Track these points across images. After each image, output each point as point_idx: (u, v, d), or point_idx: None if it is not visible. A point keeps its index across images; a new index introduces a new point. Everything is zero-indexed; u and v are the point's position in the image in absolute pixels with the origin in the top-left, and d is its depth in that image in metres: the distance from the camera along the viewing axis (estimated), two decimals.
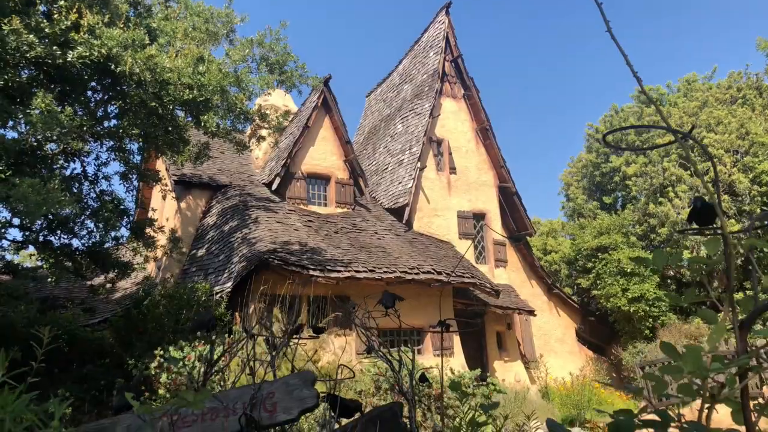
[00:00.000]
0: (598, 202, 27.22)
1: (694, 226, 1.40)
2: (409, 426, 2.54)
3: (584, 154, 28.90)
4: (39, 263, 14.13)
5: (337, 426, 2.62)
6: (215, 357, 8.53)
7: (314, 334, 3.62)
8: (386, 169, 19.96)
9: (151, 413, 2.09)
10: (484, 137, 20.34)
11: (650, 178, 21.70)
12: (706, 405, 1.19)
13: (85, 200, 9.59)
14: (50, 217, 8.90)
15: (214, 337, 2.83)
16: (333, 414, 2.55)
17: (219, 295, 12.84)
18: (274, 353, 3.28)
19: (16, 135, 7.77)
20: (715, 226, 1.35)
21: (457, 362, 15.13)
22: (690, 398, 1.20)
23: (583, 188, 28.38)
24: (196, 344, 9.31)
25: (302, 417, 2.62)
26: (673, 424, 1.17)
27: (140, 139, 9.61)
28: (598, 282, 20.81)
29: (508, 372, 17.86)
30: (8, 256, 11.72)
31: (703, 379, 1.16)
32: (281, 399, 2.48)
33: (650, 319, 19.61)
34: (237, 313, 12.88)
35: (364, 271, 14.22)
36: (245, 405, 2.39)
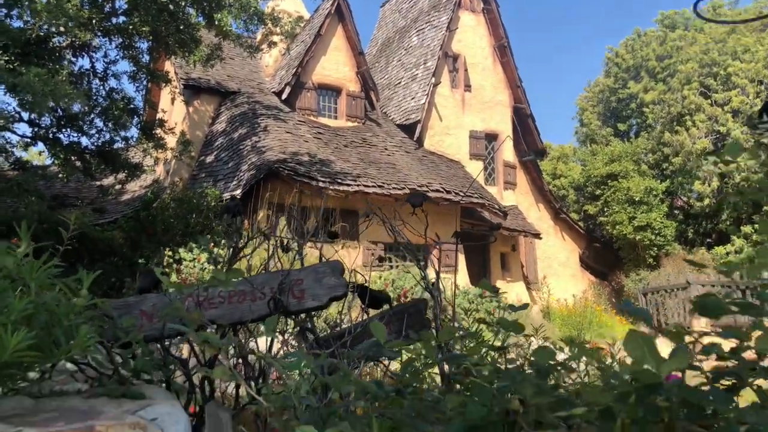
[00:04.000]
0: (612, 128, 26.69)
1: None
2: (433, 320, 2.51)
3: (602, 79, 28.08)
4: (48, 162, 14.06)
5: (366, 316, 2.59)
6: (226, 257, 8.45)
7: (328, 239, 3.57)
8: (399, 83, 19.48)
9: (181, 291, 2.04)
10: (502, 55, 19.72)
11: (668, 106, 21.16)
12: None
13: (95, 98, 9.40)
14: (59, 111, 8.74)
15: (234, 227, 2.76)
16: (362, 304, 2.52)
17: (227, 201, 12.83)
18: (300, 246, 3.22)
19: (21, 24, 7.49)
20: None
21: (462, 279, 15.33)
22: None
23: (598, 114, 27.77)
24: (207, 246, 9.36)
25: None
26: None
27: (150, 37, 9.29)
28: (605, 209, 20.75)
29: (510, 292, 18.11)
30: (17, 153, 11.66)
31: None
32: (310, 286, 2.44)
33: (655, 248, 19.68)
34: (245, 221, 12.92)
35: (373, 186, 14.16)
36: (273, 290, 2.35)
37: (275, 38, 12.51)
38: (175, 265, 9.32)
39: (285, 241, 3.22)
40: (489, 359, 2.01)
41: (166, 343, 2.28)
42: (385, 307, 2.56)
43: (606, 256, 22.23)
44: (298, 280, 2.43)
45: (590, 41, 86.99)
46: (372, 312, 2.60)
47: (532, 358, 1.42)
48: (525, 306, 2.12)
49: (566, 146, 26.75)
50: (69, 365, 2.01)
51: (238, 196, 13.15)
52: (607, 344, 2.77)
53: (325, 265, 2.53)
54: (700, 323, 13.44)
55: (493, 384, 1.22)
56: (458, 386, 2.35)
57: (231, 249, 2.59)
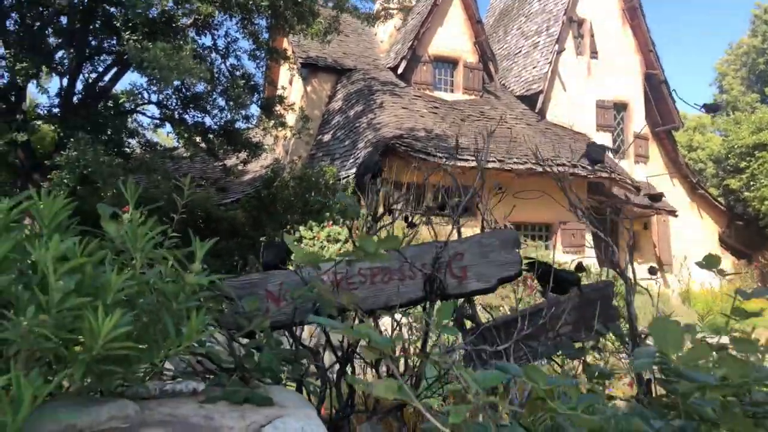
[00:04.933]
0: (759, 94, 23.99)
1: None
2: (627, 310, 1.99)
3: (747, 39, 25.19)
4: (175, 144, 14.60)
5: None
6: (345, 235, 8.21)
7: (438, 211, 3.10)
8: (519, 53, 18.49)
9: (317, 263, 1.65)
10: (632, 17, 18.14)
11: None
12: None
13: (217, 75, 9.44)
14: (183, 91, 8.85)
15: (377, 187, 2.35)
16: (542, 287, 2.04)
17: (345, 180, 12.70)
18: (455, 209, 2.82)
19: None
20: None
21: (589, 260, 14.35)
22: None
23: (742, 78, 25.04)
24: (326, 224, 9.22)
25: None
26: None
27: (269, 12, 9.16)
28: (752, 183, 18.71)
29: (641, 274, 16.81)
30: (148, 135, 12.12)
31: None
32: (473, 262, 1.98)
33: None
34: (362, 199, 12.75)
35: (493, 161, 13.48)
36: (425, 266, 1.92)
37: (392, 5, 12.07)
38: (296, 244, 9.24)
39: (410, 216, 2.79)
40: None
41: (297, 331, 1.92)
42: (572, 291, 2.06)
43: (750, 236, 20.08)
44: (458, 254, 1.98)
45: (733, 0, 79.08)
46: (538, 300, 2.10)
47: None
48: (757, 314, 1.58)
49: (704, 115, 24.43)
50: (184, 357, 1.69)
51: (354, 175, 12.97)
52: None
53: (493, 235, 2.06)
54: None
55: None
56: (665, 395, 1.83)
57: (370, 217, 2.18)
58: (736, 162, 19.50)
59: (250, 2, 8.64)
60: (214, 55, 9.80)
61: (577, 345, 2.00)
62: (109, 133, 9.72)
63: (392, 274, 1.94)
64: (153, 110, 15.81)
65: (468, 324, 2.15)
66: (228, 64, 9.87)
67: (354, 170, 13.20)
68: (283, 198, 11.22)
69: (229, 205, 12.83)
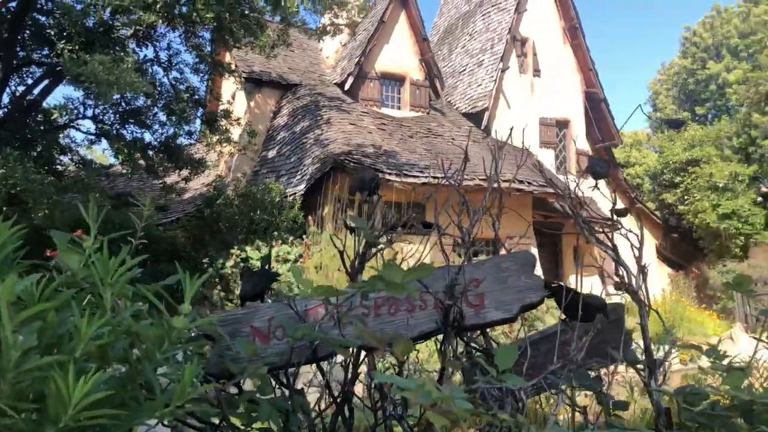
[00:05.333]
0: (690, 112, 25.06)
1: None
2: (642, 335, 1.82)
3: (678, 60, 26.33)
4: (112, 161, 13.91)
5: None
6: (294, 255, 7.87)
7: (424, 229, 2.91)
8: (464, 71, 18.62)
9: (333, 295, 1.40)
10: (572, 36, 18.59)
11: (755, 86, 19.54)
12: None
13: (159, 90, 8.99)
14: (122, 105, 8.37)
15: (372, 204, 2.11)
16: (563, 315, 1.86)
17: (292, 197, 12.37)
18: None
19: (81, 6, 7.11)
20: None
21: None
22: None
23: (674, 97, 26.10)
24: (274, 244, 8.88)
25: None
26: None
27: (214, 24, 8.81)
28: (686, 197, 19.39)
29: (585, 286, 17.08)
30: (82, 152, 11.47)
31: None
32: (491, 289, 1.78)
33: (741, 237, 18.22)
34: (310, 216, 12.43)
35: (443, 178, 13.42)
36: (437, 294, 1.69)
37: (341, 21, 11.90)
38: (242, 264, 8.86)
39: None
40: None
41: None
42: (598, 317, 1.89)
43: (684, 248, 20.81)
44: (474, 281, 1.77)
45: (664, 21, 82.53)
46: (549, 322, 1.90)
47: None
48: None
49: (639, 132, 25.26)
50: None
51: (302, 192, 12.65)
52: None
53: (511, 258, 1.87)
54: None
55: None
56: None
57: (366, 239, 1.92)
58: (671, 177, 20.18)
59: (194, 14, 8.27)
60: (156, 67, 9.35)
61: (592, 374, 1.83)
62: (39, 149, 9.11)
63: (399, 305, 1.71)
64: (88, 125, 15.02)
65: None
66: (171, 77, 9.43)
67: (302, 186, 12.92)
68: (227, 216, 10.80)
69: (169, 225, 12.27)
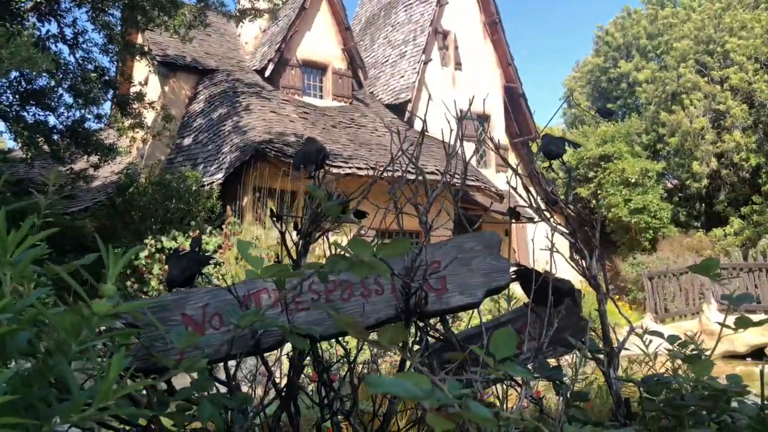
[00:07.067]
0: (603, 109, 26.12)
1: None
2: (601, 321, 1.75)
3: (591, 59, 27.35)
4: (10, 147, 12.91)
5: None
6: (213, 245, 7.49)
7: (356, 218, 2.75)
8: (386, 61, 18.55)
9: (286, 277, 1.21)
10: (492, 31, 18.89)
11: (663, 85, 20.54)
12: None
13: (64, 69, 8.33)
14: (22, 84, 7.70)
15: (318, 182, 1.92)
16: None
17: (209, 186, 11.88)
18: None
19: None
20: None
21: None
22: None
23: (587, 95, 27.11)
24: (191, 233, 8.47)
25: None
26: None
27: (124, 1, 8.26)
28: (599, 191, 20.16)
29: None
30: None
31: None
32: (454, 272, 1.65)
33: (651, 231, 19.15)
34: (229, 206, 12.00)
35: (366, 168, 13.29)
36: (397, 277, 1.54)
37: (261, 6, 11.47)
38: (157, 255, 8.40)
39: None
40: None
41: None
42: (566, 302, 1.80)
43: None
44: (434, 262, 1.63)
45: (579, 20, 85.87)
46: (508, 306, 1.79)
47: None
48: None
49: (555, 129, 26.11)
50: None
51: (220, 181, 12.19)
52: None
53: (475, 238, 1.74)
54: (710, 309, 12.90)
55: None
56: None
57: (310, 221, 1.73)
58: (585, 172, 20.92)
59: None
60: (60, 45, 8.67)
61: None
62: None
63: (353, 289, 1.54)
64: None
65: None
66: (78, 56, 8.77)
67: (220, 175, 12.43)
68: (140, 205, 10.24)
69: (77, 213, 11.51)
